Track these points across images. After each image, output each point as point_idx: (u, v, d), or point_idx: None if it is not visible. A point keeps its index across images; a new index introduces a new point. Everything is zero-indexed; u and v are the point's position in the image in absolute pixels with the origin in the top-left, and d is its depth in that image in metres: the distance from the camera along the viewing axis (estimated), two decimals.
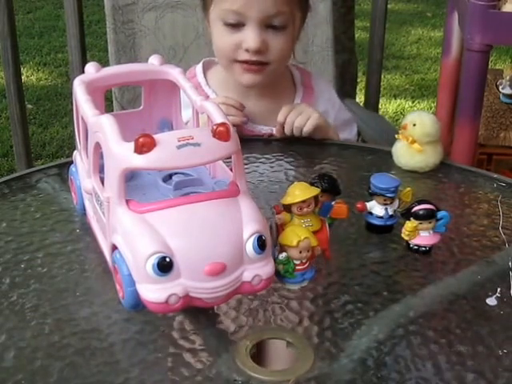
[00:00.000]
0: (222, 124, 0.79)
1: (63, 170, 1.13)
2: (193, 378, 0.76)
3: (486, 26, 1.54)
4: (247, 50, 1.27)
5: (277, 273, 0.83)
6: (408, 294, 0.89)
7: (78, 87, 0.92)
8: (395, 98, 3.52)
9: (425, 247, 0.97)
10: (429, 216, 0.95)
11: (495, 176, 1.19)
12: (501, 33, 1.56)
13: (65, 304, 0.87)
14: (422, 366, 0.78)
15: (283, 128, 1.29)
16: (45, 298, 0.87)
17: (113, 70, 1.04)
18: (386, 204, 0.99)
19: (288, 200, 0.88)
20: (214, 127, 0.79)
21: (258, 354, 0.80)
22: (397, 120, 3.20)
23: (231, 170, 0.86)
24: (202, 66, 1.41)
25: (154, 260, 0.75)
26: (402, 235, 0.96)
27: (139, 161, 0.76)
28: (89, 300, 0.87)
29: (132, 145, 0.76)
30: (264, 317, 0.85)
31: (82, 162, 0.96)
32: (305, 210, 0.88)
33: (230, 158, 0.83)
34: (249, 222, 0.79)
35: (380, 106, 2.66)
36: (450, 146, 1.70)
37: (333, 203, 0.94)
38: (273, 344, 0.81)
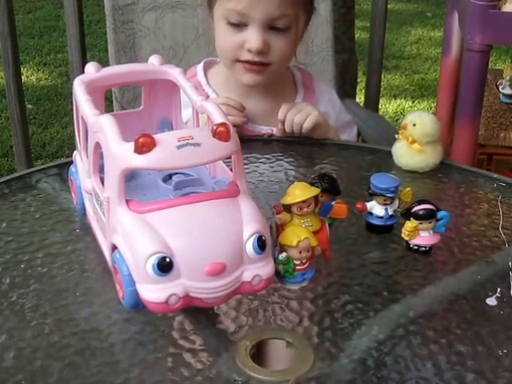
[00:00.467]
0: (222, 124, 0.79)
1: (63, 170, 1.13)
2: (193, 378, 0.76)
3: (486, 26, 1.54)
4: (249, 51, 1.27)
5: (277, 273, 0.83)
6: (408, 294, 0.89)
7: (78, 87, 0.92)
8: (395, 98, 3.52)
9: (425, 247, 0.97)
10: (429, 216, 0.95)
11: (495, 176, 1.19)
12: (501, 33, 1.56)
13: (65, 304, 0.87)
14: (422, 366, 0.78)
15: (284, 126, 1.29)
16: (45, 298, 0.87)
17: (113, 69, 1.04)
18: (385, 204, 0.99)
19: (288, 200, 0.88)
20: (214, 127, 0.79)
21: (258, 354, 0.80)
22: (397, 120, 3.20)
23: (231, 170, 0.86)
24: (202, 65, 1.41)
25: (153, 260, 0.75)
26: (402, 235, 0.96)
27: (139, 161, 0.76)
28: (89, 300, 0.87)
29: (132, 145, 0.76)
30: (264, 317, 0.85)
31: (82, 162, 0.96)
32: (305, 210, 0.88)
33: (230, 158, 0.83)
34: (249, 222, 0.79)
35: (380, 106, 2.66)
36: (450, 146, 1.69)
37: (333, 203, 0.94)
38: (273, 344, 0.81)
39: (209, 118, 0.87)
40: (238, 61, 1.30)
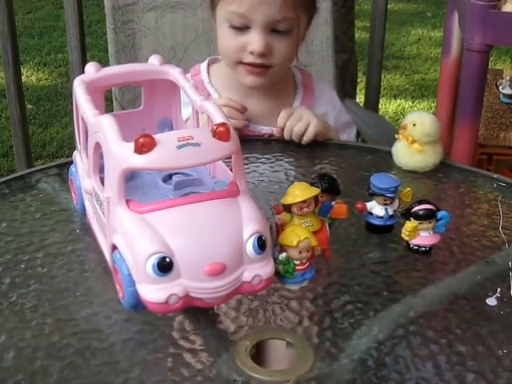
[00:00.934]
0: (222, 124, 0.79)
1: (63, 170, 1.13)
2: (193, 378, 0.76)
3: (486, 26, 1.54)
4: (252, 53, 1.28)
5: (277, 273, 0.83)
6: (408, 294, 0.89)
7: (78, 87, 0.92)
8: (395, 98, 3.52)
9: (425, 247, 0.97)
10: (429, 216, 0.95)
11: (495, 176, 1.19)
12: (501, 33, 1.56)
13: (65, 304, 0.87)
14: (422, 366, 0.78)
15: (283, 131, 1.30)
16: (45, 298, 0.87)
17: (113, 70, 1.04)
18: (385, 204, 0.99)
19: (288, 200, 0.88)
20: (214, 127, 0.79)
21: (258, 354, 0.80)
22: (397, 120, 3.20)
23: (231, 170, 0.86)
24: (206, 63, 1.42)
25: (153, 260, 0.75)
26: (402, 235, 0.96)
27: (139, 161, 0.76)
28: (89, 300, 0.87)
29: (132, 145, 0.76)
30: (264, 317, 0.85)
31: (82, 162, 0.96)
32: (305, 210, 0.88)
33: (230, 158, 0.83)
34: (249, 222, 0.79)
35: (380, 106, 2.66)
36: (449, 146, 1.69)
37: (333, 203, 0.94)
38: (273, 344, 0.81)
39: (209, 117, 0.87)
40: (241, 63, 1.30)
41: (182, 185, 0.91)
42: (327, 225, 0.91)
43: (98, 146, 0.84)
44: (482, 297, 0.89)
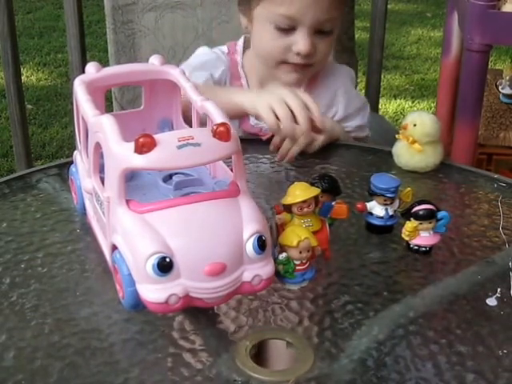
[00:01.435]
0: (222, 124, 0.79)
1: (63, 170, 1.13)
2: (193, 378, 0.76)
3: (486, 26, 1.54)
4: (298, 54, 1.30)
5: (277, 273, 0.83)
6: (408, 295, 0.89)
7: (79, 87, 0.92)
8: (395, 98, 3.52)
9: (425, 247, 0.97)
10: (429, 216, 0.95)
11: (495, 176, 1.19)
12: (500, 33, 1.56)
13: (65, 304, 0.87)
14: (422, 366, 0.78)
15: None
16: (45, 298, 0.87)
17: (113, 70, 1.04)
18: (386, 204, 0.99)
19: (288, 200, 0.88)
20: (215, 127, 0.79)
21: (258, 354, 0.80)
22: (397, 120, 3.20)
23: (231, 170, 0.86)
24: (242, 46, 1.43)
25: (153, 260, 0.75)
26: (402, 235, 0.96)
27: (139, 161, 0.76)
28: (89, 300, 0.87)
29: (132, 145, 0.76)
30: (264, 317, 0.85)
31: (82, 162, 0.96)
32: (305, 210, 0.88)
33: (231, 158, 0.83)
34: (249, 222, 0.79)
35: (380, 106, 2.66)
36: (449, 146, 1.69)
37: (333, 203, 0.94)
38: (273, 344, 0.81)
39: (209, 117, 0.87)
40: (285, 62, 1.33)
41: (183, 185, 0.91)
42: (327, 225, 0.91)
43: (98, 145, 0.84)
44: (482, 297, 0.89)
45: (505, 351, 0.80)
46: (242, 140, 0.83)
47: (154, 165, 0.77)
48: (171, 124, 1.06)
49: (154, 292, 0.75)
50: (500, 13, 1.56)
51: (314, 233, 0.87)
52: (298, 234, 0.83)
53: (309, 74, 1.36)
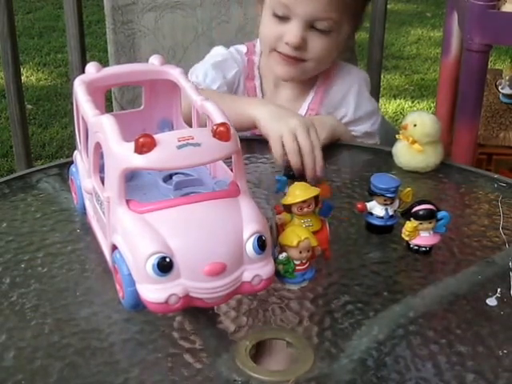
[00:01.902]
0: (222, 124, 0.79)
1: (63, 170, 1.13)
2: (193, 378, 0.76)
3: (486, 26, 1.54)
4: (287, 44, 1.31)
5: (277, 273, 0.83)
6: (408, 295, 0.89)
7: (79, 87, 0.92)
8: (395, 98, 3.52)
9: (425, 247, 0.97)
10: (429, 216, 0.95)
11: (496, 176, 1.19)
12: (500, 33, 1.56)
13: (65, 304, 0.87)
14: (422, 366, 0.78)
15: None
16: (45, 298, 0.87)
17: (113, 70, 1.04)
18: (386, 204, 0.99)
19: (288, 200, 0.88)
20: (214, 127, 0.79)
21: (258, 354, 0.80)
22: (397, 120, 3.20)
23: (231, 170, 0.86)
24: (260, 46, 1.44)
25: (153, 260, 0.75)
26: (402, 235, 0.96)
27: (139, 161, 0.76)
28: (89, 300, 0.87)
29: (132, 145, 0.76)
30: (264, 317, 0.85)
31: (82, 162, 0.96)
32: (305, 210, 0.88)
33: (231, 158, 0.83)
34: (249, 222, 0.79)
35: (380, 106, 2.66)
36: (449, 146, 1.69)
37: (317, 185, 0.92)
38: (273, 344, 0.81)
39: (209, 117, 0.87)
40: (276, 51, 1.34)
41: (183, 185, 0.91)
42: (327, 225, 0.91)
43: (98, 145, 0.84)
44: (482, 297, 0.89)
45: (505, 351, 0.80)
46: (242, 140, 0.83)
47: (154, 165, 0.77)
48: (171, 124, 1.06)
49: (154, 292, 0.75)
50: (500, 13, 1.56)
51: (314, 233, 0.87)
52: (298, 234, 0.83)
53: (300, 70, 1.35)
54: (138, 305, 0.78)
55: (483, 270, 0.95)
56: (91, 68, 0.96)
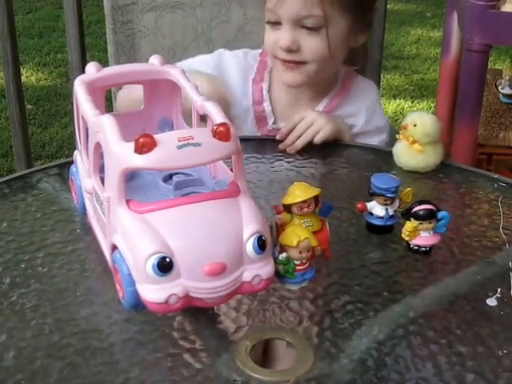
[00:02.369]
0: (222, 124, 0.79)
1: (64, 170, 1.13)
2: (193, 378, 0.76)
3: (486, 26, 1.54)
4: (281, 48, 1.31)
5: (277, 273, 0.83)
6: (408, 295, 0.89)
7: (79, 87, 0.92)
8: (395, 98, 3.52)
9: (425, 247, 0.97)
10: (429, 216, 0.95)
11: (496, 176, 1.19)
12: (500, 33, 1.56)
13: (65, 304, 0.87)
14: (422, 366, 0.78)
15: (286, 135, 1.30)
16: (45, 298, 0.87)
17: (113, 69, 1.04)
18: (386, 204, 0.99)
19: (288, 200, 0.88)
20: (215, 127, 0.79)
21: (258, 354, 0.80)
22: (396, 120, 3.20)
23: (231, 170, 0.86)
24: None
25: (153, 260, 0.74)
26: (403, 235, 0.96)
27: (139, 161, 0.76)
28: (89, 300, 0.87)
29: (132, 145, 0.76)
30: (264, 317, 0.85)
31: (82, 162, 0.96)
32: (305, 210, 0.88)
33: (231, 158, 0.83)
34: (249, 222, 0.79)
35: None
36: (449, 146, 1.69)
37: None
38: (273, 344, 0.81)
39: (209, 117, 0.87)
40: (277, 58, 1.34)
41: (183, 185, 0.91)
42: (327, 225, 0.91)
43: (98, 145, 0.84)
44: (482, 297, 0.89)
45: (505, 351, 0.80)
46: (242, 140, 0.83)
47: (154, 165, 0.77)
48: (171, 124, 1.06)
49: (154, 292, 0.75)
50: (500, 13, 1.55)
51: (314, 233, 0.87)
52: (298, 234, 0.83)
53: (306, 73, 1.33)
54: (138, 305, 0.78)
55: (483, 270, 0.95)
56: (91, 68, 0.96)
